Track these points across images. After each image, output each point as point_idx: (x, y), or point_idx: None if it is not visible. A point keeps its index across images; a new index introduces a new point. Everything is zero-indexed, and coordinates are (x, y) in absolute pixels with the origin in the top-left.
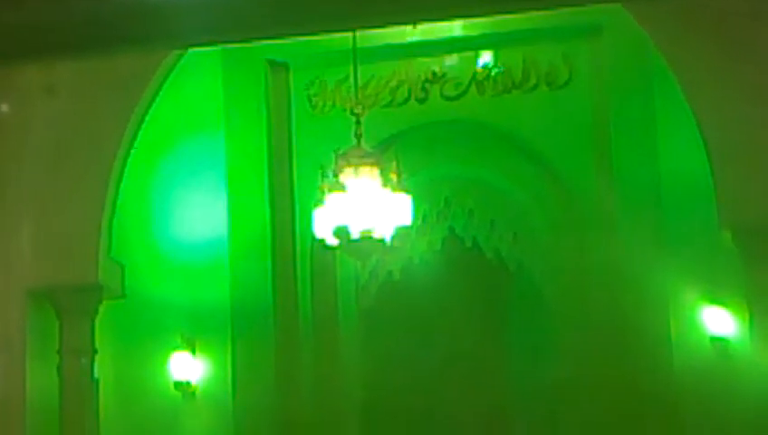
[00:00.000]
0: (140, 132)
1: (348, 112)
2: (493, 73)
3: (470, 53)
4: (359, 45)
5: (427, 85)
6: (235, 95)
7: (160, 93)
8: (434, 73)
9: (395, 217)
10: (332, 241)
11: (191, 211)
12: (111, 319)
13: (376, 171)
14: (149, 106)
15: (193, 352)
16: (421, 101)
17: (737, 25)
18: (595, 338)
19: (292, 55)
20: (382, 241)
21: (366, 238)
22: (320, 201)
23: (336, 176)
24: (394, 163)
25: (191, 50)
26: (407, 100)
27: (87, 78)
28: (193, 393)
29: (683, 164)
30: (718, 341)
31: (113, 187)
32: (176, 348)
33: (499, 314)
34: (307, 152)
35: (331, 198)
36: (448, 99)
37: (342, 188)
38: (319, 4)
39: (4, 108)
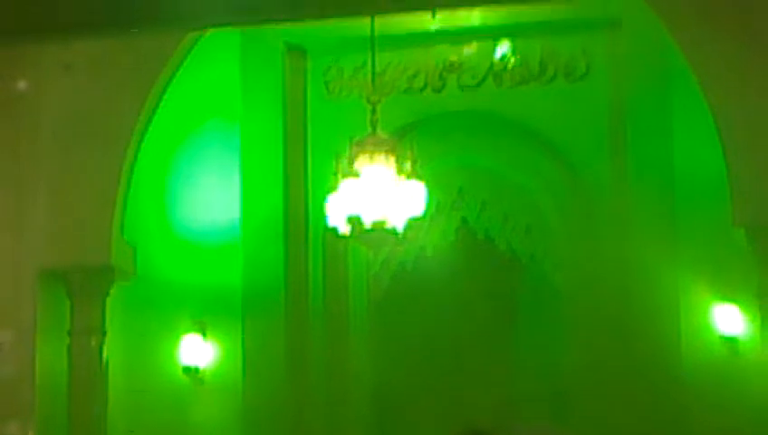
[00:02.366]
0: (156, 113)
1: (364, 99)
2: (510, 64)
3: (488, 44)
4: (377, 32)
5: (444, 74)
6: (252, 78)
7: (177, 74)
8: (451, 63)
9: (408, 207)
10: (345, 229)
11: (205, 194)
12: (123, 300)
13: (391, 159)
14: (166, 87)
15: (204, 335)
16: (438, 90)
17: (757, 21)
18: (606, 333)
19: (309, 40)
20: (394, 232)
21: (378, 229)
22: (333, 187)
23: (351, 162)
24: (409, 151)
25: (210, 31)
26: (423, 88)
27: (104, 57)
28: (202, 378)
29: (698, 160)
30: (729, 340)
31: (127, 168)
32: (186, 331)
33: (511, 307)
34: (322, 138)
35: (345, 185)
36: (465, 88)
37: (357, 174)
38: None
39: (21, 85)
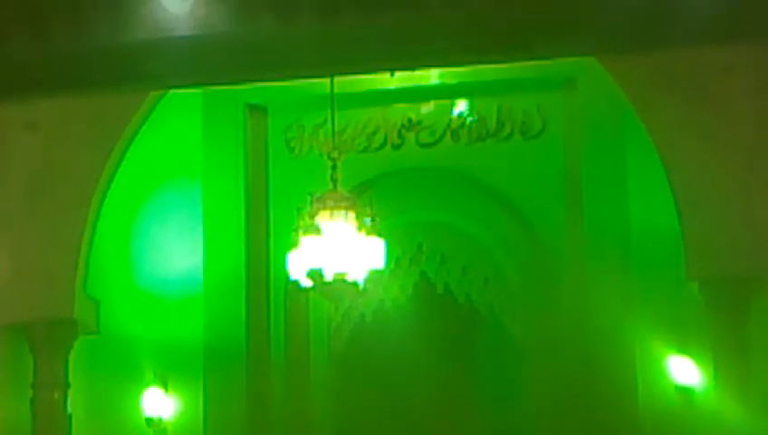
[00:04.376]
0: (119, 170)
1: (325, 156)
2: (468, 122)
3: (446, 102)
4: (336, 91)
5: (403, 132)
6: (213, 136)
7: (140, 132)
8: (410, 120)
9: (368, 261)
10: (306, 283)
11: (167, 249)
12: (86, 354)
13: (351, 215)
14: (129, 144)
15: (165, 388)
16: (397, 147)
17: (709, 80)
18: (564, 383)
19: (270, 99)
20: (355, 284)
21: (339, 281)
22: (295, 243)
23: (311, 218)
24: (369, 207)
25: (172, 91)
26: (383, 145)
27: (68, 115)
28: (164, 430)
29: (652, 216)
30: (683, 390)
31: (91, 223)
32: (148, 384)
33: (470, 358)
34: (283, 194)
35: (306, 241)
36: (424, 146)
37: (317, 230)
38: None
39: None
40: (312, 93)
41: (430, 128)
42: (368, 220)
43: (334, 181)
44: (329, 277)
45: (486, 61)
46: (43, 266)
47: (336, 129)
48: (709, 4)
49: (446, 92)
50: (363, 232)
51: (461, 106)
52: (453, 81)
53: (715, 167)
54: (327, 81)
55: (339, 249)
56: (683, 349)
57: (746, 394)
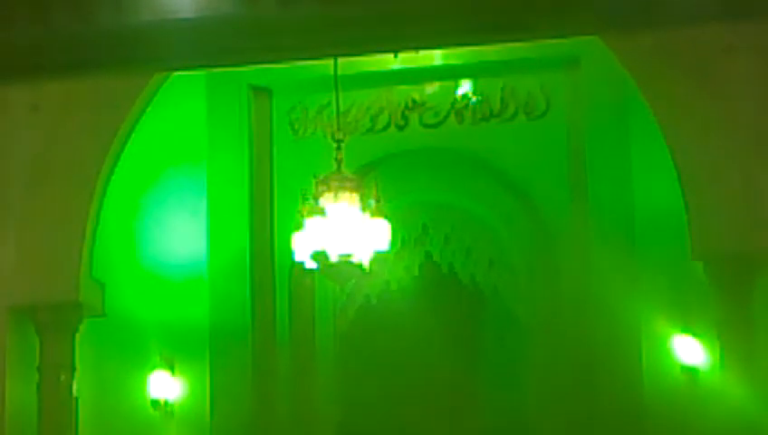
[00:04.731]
0: (124, 152)
1: (329, 138)
2: (471, 102)
3: (450, 82)
4: (340, 72)
5: (407, 113)
6: (217, 118)
7: (145, 114)
8: (414, 101)
9: (373, 242)
10: (311, 264)
11: (172, 232)
12: (92, 337)
13: (355, 196)
14: (134, 127)
15: (172, 371)
16: (401, 128)
17: (711, 59)
18: (568, 363)
19: (274, 81)
20: (360, 265)
21: (344, 262)
22: (299, 225)
23: (316, 200)
24: (373, 188)
25: (176, 73)
26: (387, 127)
27: (72, 98)
28: (171, 412)
29: (657, 195)
30: (689, 370)
31: (96, 206)
32: (155, 367)
33: (474, 339)
34: (288, 176)
35: (311, 222)
36: (428, 126)
37: (322, 212)
38: (300, 33)
39: None
40: (315, 75)
41: (434, 108)
42: (372, 201)
43: (338, 163)
44: (334, 259)
45: (488, 41)
46: (48, 249)
47: (340, 110)
48: None
49: (450, 73)
50: (368, 213)
51: (465, 87)
52: (456, 61)
53: (719, 146)
54: (330, 62)
55: (343, 231)
56: (688, 328)
57: (752, 373)
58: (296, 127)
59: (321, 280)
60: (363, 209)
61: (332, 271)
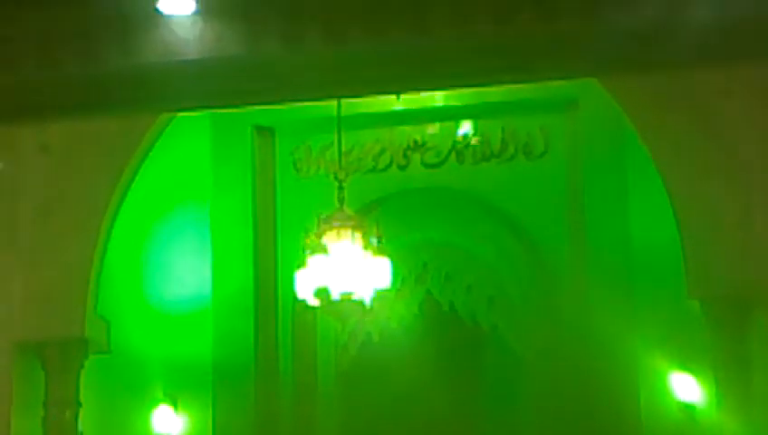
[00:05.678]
0: (130, 191)
1: (331, 177)
2: (472, 143)
3: (451, 123)
4: (343, 113)
5: (408, 153)
6: (222, 158)
7: (150, 154)
8: (415, 142)
9: (374, 280)
10: (313, 302)
11: (176, 270)
12: (97, 373)
13: (357, 235)
14: (140, 166)
15: (175, 407)
16: (402, 168)
17: (709, 102)
18: (567, 400)
19: (278, 121)
20: (362, 303)
21: (346, 300)
22: (302, 263)
23: (318, 238)
24: (375, 227)
25: (181, 114)
26: (388, 166)
27: (79, 138)
28: None
29: (653, 235)
30: (686, 407)
31: (101, 244)
32: (158, 403)
33: (474, 375)
34: (291, 215)
35: (313, 260)
36: (429, 166)
37: (324, 250)
38: (304, 74)
39: None
40: (318, 115)
41: (435, 149)
42: (374, 240)
43: (341, 201)
44: (336, 296)
45: (489, 83)
46: (54, 286)
47: (342, 150)
48: (707, 26)
49: (451, 114)
50: (369, 252)
51: (465, 127)
52: (457, 102)
53: (716, 187)
54: (334, 103)
55: (345, 269)
56: (685, 366)
57: (748, 411)
58: (299, 166)
59: (323, 317)
60: (365, 248)
61: (334, 308)
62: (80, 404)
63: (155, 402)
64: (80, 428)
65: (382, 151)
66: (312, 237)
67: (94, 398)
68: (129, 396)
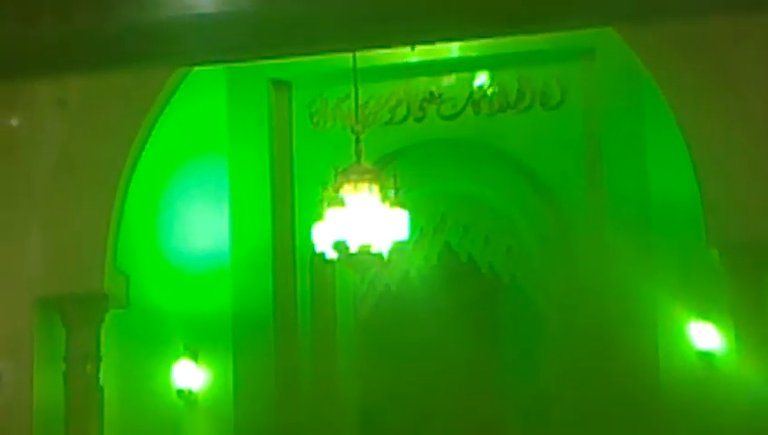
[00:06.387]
0: (147, 146)
1: (348, 130)
2: (488, 94)
3: (467, 74)
4: (359, 65)
5: (424, 104)
6: (238, 112)
7: (167, 109)
8: (431, 93)
9: (392, 232)
10: (331, 254)
11: (195, 224)
12: (117, 328)
13: (375, 187)
14: (156, 121)
15: (195, 360)
16: (419, 119)
17: (726, 49)
18: (585, 349)
19: (294, 74)
20: (380, 255)
21: (364, 252)
22: (320, 216)
23: (336, 191)
24: (392, 179)
25: (197, 68)
26: (405, 118)
27: (96, 93)
28: (195, 401)
29: (672, 183)
30: (705, 355)
31: (119, 199)
32: (179, 356)
33: (493, 326)
34: (308, 168)
35: (331, 213)
36: (445, 118)
37: (342, 203)
38: (319, 27)
39: (15, 121)
40: (334, 68)
41: (452, 100)
42: (391, 192)
43: (358, 154)
44: (354, 249)
45: (505, 33)
46: (73, 242)
47: (359, 103)
48: None
49: (467, 65)
50: (387, 204)
51: (481, 78)
52: (473, 53)
53: (734, 134)
54: (350, 55)
55: (363, 221)
56: (704, 314)
57: (767, 357)
58: (316, 119)
59: (341, 270)
60: (382, 200)
61: (353, 261)
62: (100, 358)
63: (176, 356)
64: (101, 382)
65: (398, 104)
66: (330, 191)
67: (115, 352)
68: (150, 350)
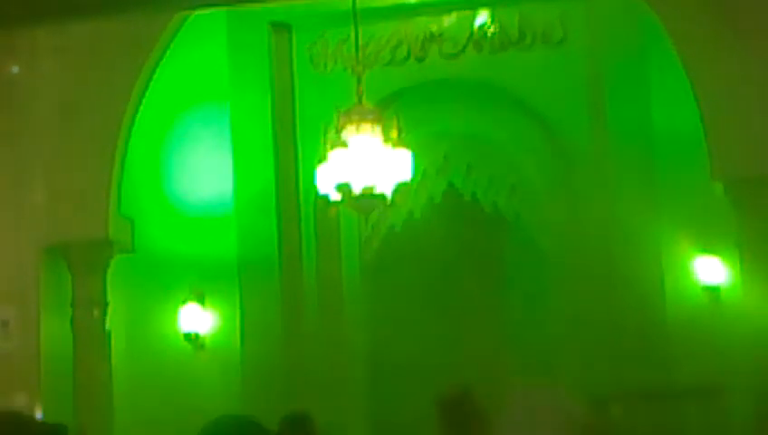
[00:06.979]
0: (148, 92)
1: (349, 71)
2: (489, 32)
3: (467, 13)
4: (359, 6)
5: (425, 44)
6: (239, 55)
7: (167, 55)
8: (432, 33)
9: (395, 173)
10: (335, 197)
11: (198, 168)
12: (122, 273)
13: (377, 128)
14: (157, 66)
15: (202, 304)
16: (420, 59)
17: None
18: (590, 286)
19: (294, 16)
20: (383, 196)
21: (367, 194)
22: (323, 158)
23: (338, 133)
24: (394, 120)
25: (197, 12)
26: (406, 58)
27: (96, 39)
28: (202, 344)
29: (675, 118)
30: (710, 289)
31: (122, 144)
32: (185, 300)
33: (498, 265)
34: (310, 110)
35: (334, 155)
36: (447, 57)
37: (344, 144)
38: None
39: (15, 68)
40: (334, 10)
41: (453, 39)
42: (394, 133)
43: (359, 95)
44: (357, 191)
45: None
46: (77, 188)
47: (359, 43)
48: None
49: (467, 4)
50: (390, 145)
51: (482, 16)
52: None
53: (737, 68)
54: None
55: (366, 162)
56: (709, 249)
57: None
58: (317, 61)
59: (345, 211)
60: (385, 141)
61: (356, 203)
62: (107, 303)
63: (182, 299)
64: (107, 326)
65: (399, 44)
66: (332, 132)
67: (121, 297)
68: (156, 295)
